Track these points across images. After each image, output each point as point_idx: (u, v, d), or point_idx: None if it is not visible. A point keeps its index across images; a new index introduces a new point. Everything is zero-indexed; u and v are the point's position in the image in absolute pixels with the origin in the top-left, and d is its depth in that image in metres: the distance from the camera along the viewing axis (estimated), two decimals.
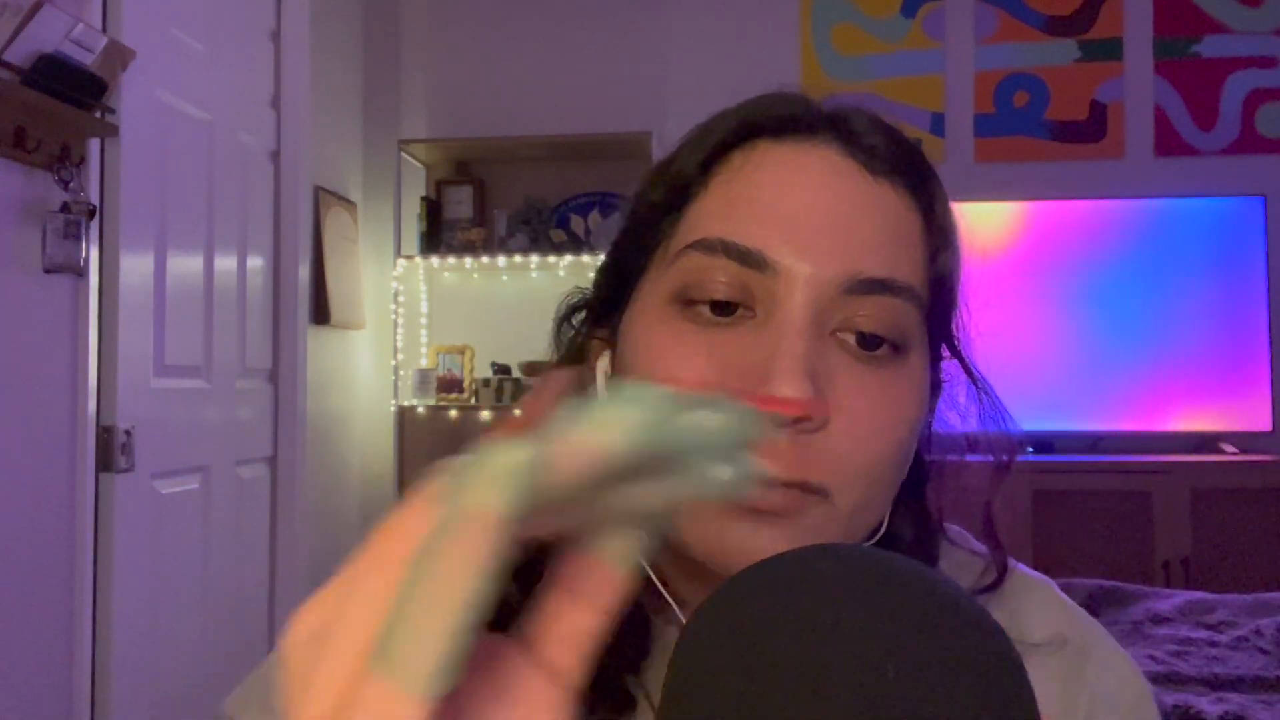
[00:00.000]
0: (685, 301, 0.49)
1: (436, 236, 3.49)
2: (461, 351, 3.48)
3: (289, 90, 2.91)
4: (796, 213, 0.49)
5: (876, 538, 0.52)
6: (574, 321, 0.59)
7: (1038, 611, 0.57)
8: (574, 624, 0.27)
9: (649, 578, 0.52)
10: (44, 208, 1.92)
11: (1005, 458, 0.56)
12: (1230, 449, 3.11)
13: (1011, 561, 0.61)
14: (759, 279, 0.48)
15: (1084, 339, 3.14)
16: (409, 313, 3.54)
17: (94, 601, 2.09)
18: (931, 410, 0.55)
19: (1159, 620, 1.91)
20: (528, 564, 0.52)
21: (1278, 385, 3.11)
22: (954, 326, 0.55)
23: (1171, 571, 2.89)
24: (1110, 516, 2.94)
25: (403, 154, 3.46)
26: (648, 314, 0.51)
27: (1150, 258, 3.15)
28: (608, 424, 0.25)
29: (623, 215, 0.57)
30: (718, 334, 0.48)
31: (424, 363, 3.52)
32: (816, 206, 0.49)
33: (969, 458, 0.57)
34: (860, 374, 0.48)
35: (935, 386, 0.55)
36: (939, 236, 0.52)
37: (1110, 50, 3.40)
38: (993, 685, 0.27)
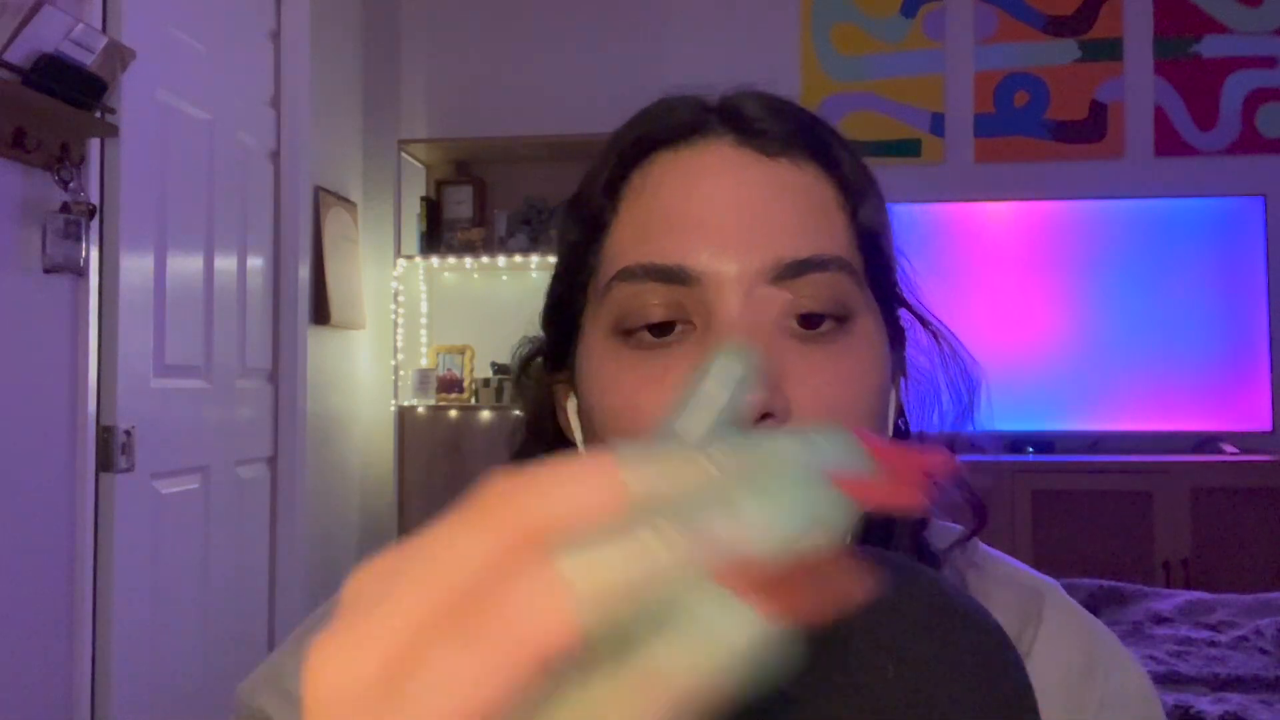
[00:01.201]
0: (624, 331, 0.49)
1: (436, 236, 3.49)
2: (461, 351, 3.48)
3: (289, 90, 2.91)
4: (705, 217, 0.49)
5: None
6: (531, 371, 0.59)
7: (1050, 617, 0.57)
8: None
9: None
10: (44, 208, 1.92)
11: (969, 398, 0.56)
12: (1230, 449, 3.11)
13: (1017, 563, 0.61)
14: (688, 292, 0.48)
15: (1084, 339, 3.14)
16: (409, 313, 3.54)
17: (94, 601, 2.09)
18: (900, 360, 0.55)
19: (1159, 620, 1.91)
20: None
21: (1278, 385, 3.11)
22: (895, 274, 0.55)
23: (1171, 571, 2.89)
24: (1110, 516, 2.94)
25: (403, 154, 3.46)
26: (594, 351, 0.51)
27: (1150, 258, 3.15)
28: (758, 528, 0.21)
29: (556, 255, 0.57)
30: (663, 355, 0.48)
31: (424, 363, 3.52)
32: (724, 205, 0.49)
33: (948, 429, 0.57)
34: (810, 356, 0.48)
35: (898, 337, 0.55)
36: (854, 194, 0.53)
37: (1110, 50, 3.40)
38: (993, 685, 0.27)
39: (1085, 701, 0.55)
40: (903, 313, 0.56)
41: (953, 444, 0.57)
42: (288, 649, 0.57)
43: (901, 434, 0.55)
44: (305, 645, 0.61)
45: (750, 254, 0.48)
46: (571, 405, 0.56)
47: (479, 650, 0.18)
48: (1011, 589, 0.58)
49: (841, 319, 0.49)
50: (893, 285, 0.55)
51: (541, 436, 0.58)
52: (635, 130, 0.53)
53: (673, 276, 0.48)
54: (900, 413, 0.55)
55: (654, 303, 0.48)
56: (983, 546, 0.62)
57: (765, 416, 0.45)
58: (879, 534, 0.52)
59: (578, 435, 0.55)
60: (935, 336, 0.56)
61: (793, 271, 0.48)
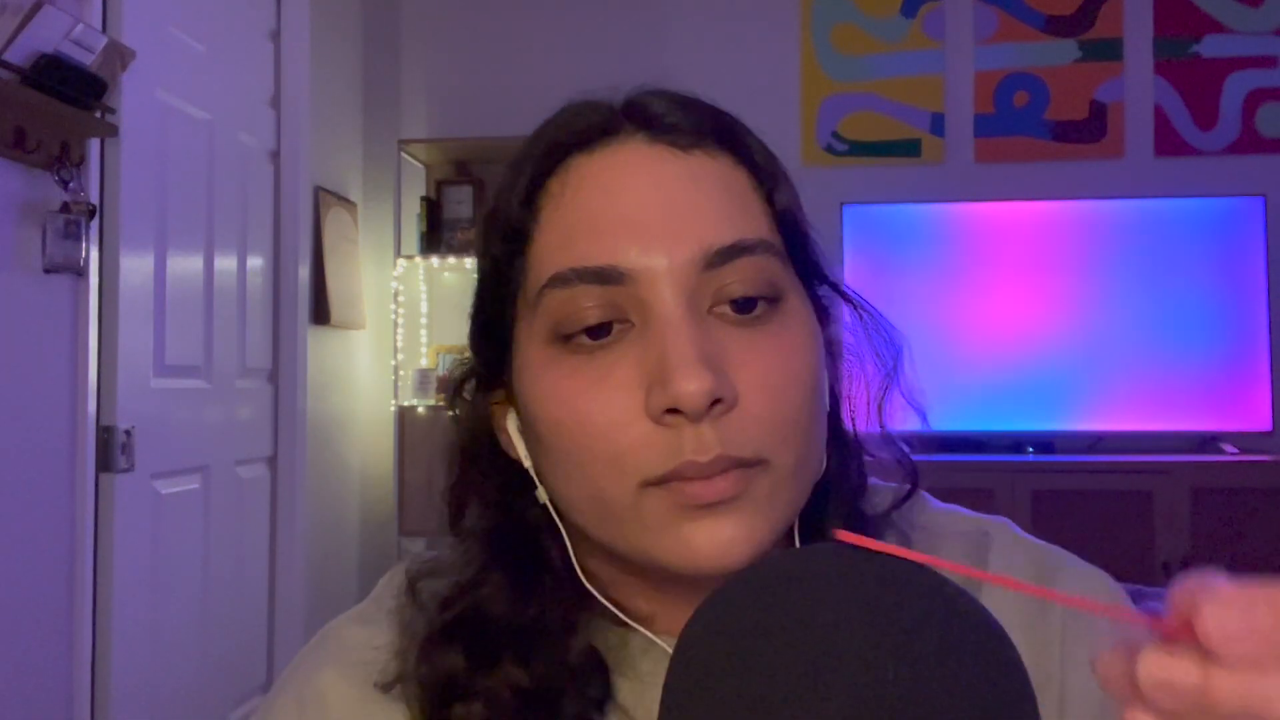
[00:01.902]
0: (562, 338, 0.49)
1: (436, 236, 3.49)
2: (461, 351, 3.47)
3: (289, 90, 2.91)
4: (629, 214, 0.49)
5: (821, 476, 0.53)
6: (466, 394, 0.58)
7: (996, 559, 0.58)
8: None
9: (603, 604, 0.53)
10: (44, 208, 1.92)
11: (891, 362, 0.57)
12: (1230, 449, 3.11)
13: (966, 511, 0.61)
14: (621, 291, 0.48)
15: (1084, 339, 3.14)
16: (409, 313, 3.54)
17: (94, 601, 2.09)
18: (826, 337, 0.56)
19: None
20: (477, 633, 0.52)
21: (1278, 385, 3.11)
22: (814, 253, 0.55)
23: (1171, 571, 2.89)
24: (1110, 516, 2.94)
25: (403, 154, 3.46)
26: (532, 362, 0.51)
27: (1150, 258, 3.15)
28: None
29: (476, 274, 0.57)
30: (604, 356, 0.49)
31: (424, 363, 3.52)
32: (645, 201, 0.50)
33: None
34: (749, 339, 0.49)
35: (823, 315, 0.56)
36: (767, 178, 0.53)
37: (1110, 50, 3.40)
38: (992, 684, 0.27)
39: (1047, 623, 0.55)
40: (823, 291, 0.56)
41: (881, 412, 0.57)
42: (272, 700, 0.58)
43: (833, 406, 0.56)
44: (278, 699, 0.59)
45: (678, 246, 0.48)
46: (511, 423, 0.55)
47: None
48: (956, 539, 0.59)
49: (773, 300, 0.50)
50: (814, 264, 0.55)
51: (478, 460, 0.57)
52: (546, 137, 0.54)
53: (605, 277, 0.48)
54: (832, 389, 0.56)
55: (588, 305, 0.49)
56: (931, 502, 0.62)
57: (715, 403, 0.46)
58: (813, 510, 0.53)
59: (521, 452, 0.54)
60: (856, 308, 0.57)
61: (722, 258, 0.49)
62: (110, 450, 2.12)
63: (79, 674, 2.05)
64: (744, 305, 0.49)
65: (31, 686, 1.93)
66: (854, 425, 0.57)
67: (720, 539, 0.46)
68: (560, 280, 0.49)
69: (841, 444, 0.56)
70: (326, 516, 3.17)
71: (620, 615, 0.53)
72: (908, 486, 0.58)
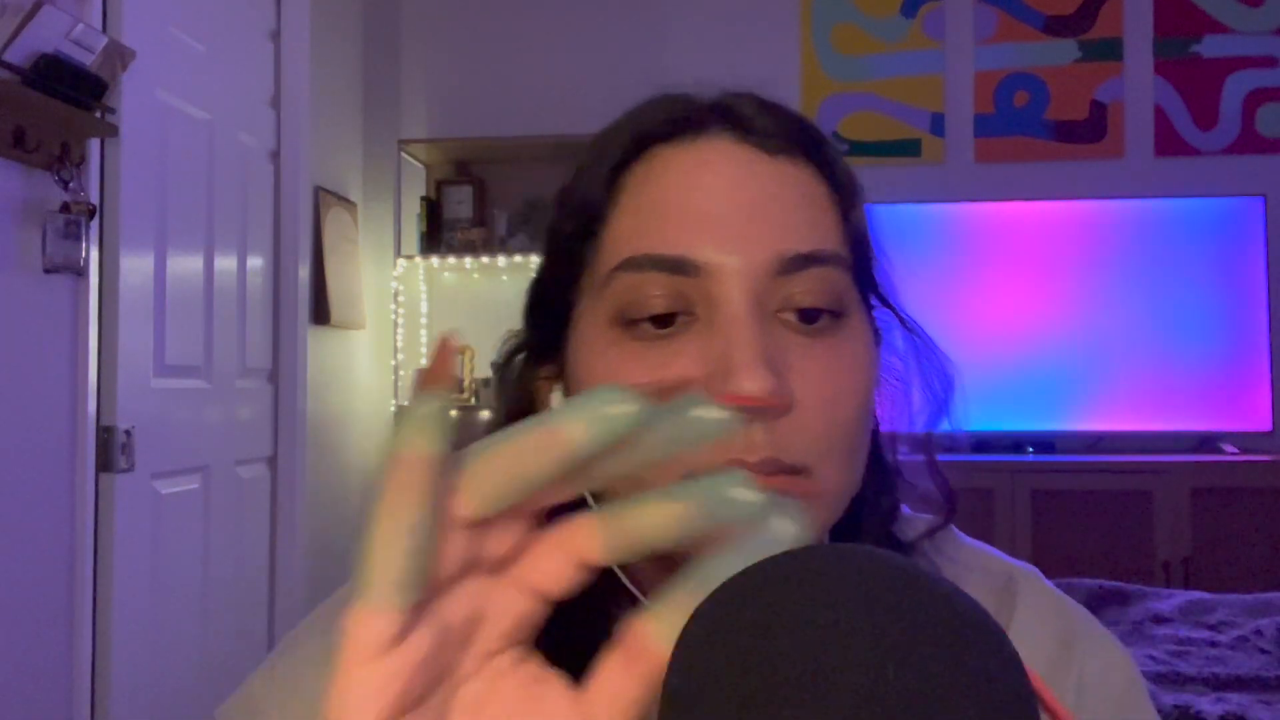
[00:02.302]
0: (626, 322, 0.49)
1: (436, 236, 3.49)
2: (461, 352, 3.48)
3: (289, 90, 2.91)
4: (710, 209, 0.49)
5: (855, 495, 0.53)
6: (514, 366, 0.58)
7: (1024, 611, 0.57)
8: (622, 690, 0.29)
9: (617, 577, 0.53)
10: (44, 208, 1.92)
11: (944, 397, 0.57)
12: (1230, 449, 3.11)
13: (994, 551, 0.61)
14: (692, 283, 0.48)
15: (1084, 339, 3.14)
16: (409, 313, 3.54)
17: (94, 601, 2.09)
18: (877, 361, 0.56)
19: (1159, 620, 1.91)
20: (579, 607, 0.52)
21: (1278, 385, 3.11)
22: (879, 277, 0.56)
23: (1171, 571, 2.89)
24: (1110, 516, 2.94)
25: (403, 154, 3.46)
26: (591, 342, 0.51)
27: (1150, 258, 3.15)
28: (579, 416, 0.28)
29: (541, 251, 0.57)
30: (666, 345, 0.49)
31: (424, 363, 3.52)
32: (727, 199, 0.50)
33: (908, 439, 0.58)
34: (810, 348, 0.49)
35: (877, 337, 0.56)
36: (846, 196, 0.53)
37: (1110, 50, 3.40)
38: (994, 686, 0.27)
39: (1062, 687, 0.55)
40: (879, 315, 0.56)
41: (928, 443, 0.57)
42: (260, 673, 0.58)
43: (875, 430, 0.56)
44: (276, 669, 0.61)
45: (753, 247, 0.48)
46: (556, 398, 0.55)
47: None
48: (985, 577, 0.59)
49: (837, 314, 0.50)
50: (876, 287, 0.55)
51: None
52: (633, 124, 0.54)
53: (677, 267, 0.48)
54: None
55: (657, 293, 0.49)
56: (960, 537, 0.62)
57: (770, 408, 0.46)
58: (846, 528, 0.53)
59: None
60: (914, 335, 0.57)
61: (795, 265, 0.49)
62: (110, 450, 2.12)
63: (79, 674, 2.05)
64: (809, 315, 0.49)
65: (31, 686, 1.93)
66: (894, 451, 0.57)
67: None
68: (633, 264, 0.49)
69: (880, 466, 0.56)
70: (326, 516, 3.17)
71: (635, 591, 0.53)
72: (942, 517, 0.58)
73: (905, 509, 0.59)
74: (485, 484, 0.29)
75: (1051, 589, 0.60)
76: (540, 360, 0.57)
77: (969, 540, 0.62)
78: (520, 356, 0.58)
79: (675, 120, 0.53)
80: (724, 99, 0.54)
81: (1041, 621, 0.57)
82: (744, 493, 0.29)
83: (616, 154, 0.53)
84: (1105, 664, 0.57)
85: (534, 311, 0.57)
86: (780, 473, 0.46)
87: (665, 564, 0.53)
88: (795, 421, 0.47)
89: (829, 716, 0.25)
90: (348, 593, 0.59)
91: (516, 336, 0.59)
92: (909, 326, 0.57)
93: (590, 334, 0.52)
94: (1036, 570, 0.61)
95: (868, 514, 0.55)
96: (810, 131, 0.53)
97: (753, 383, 0.45)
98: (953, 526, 0.60)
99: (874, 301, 0.56)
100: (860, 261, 0.53)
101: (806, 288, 0.49)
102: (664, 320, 0.49)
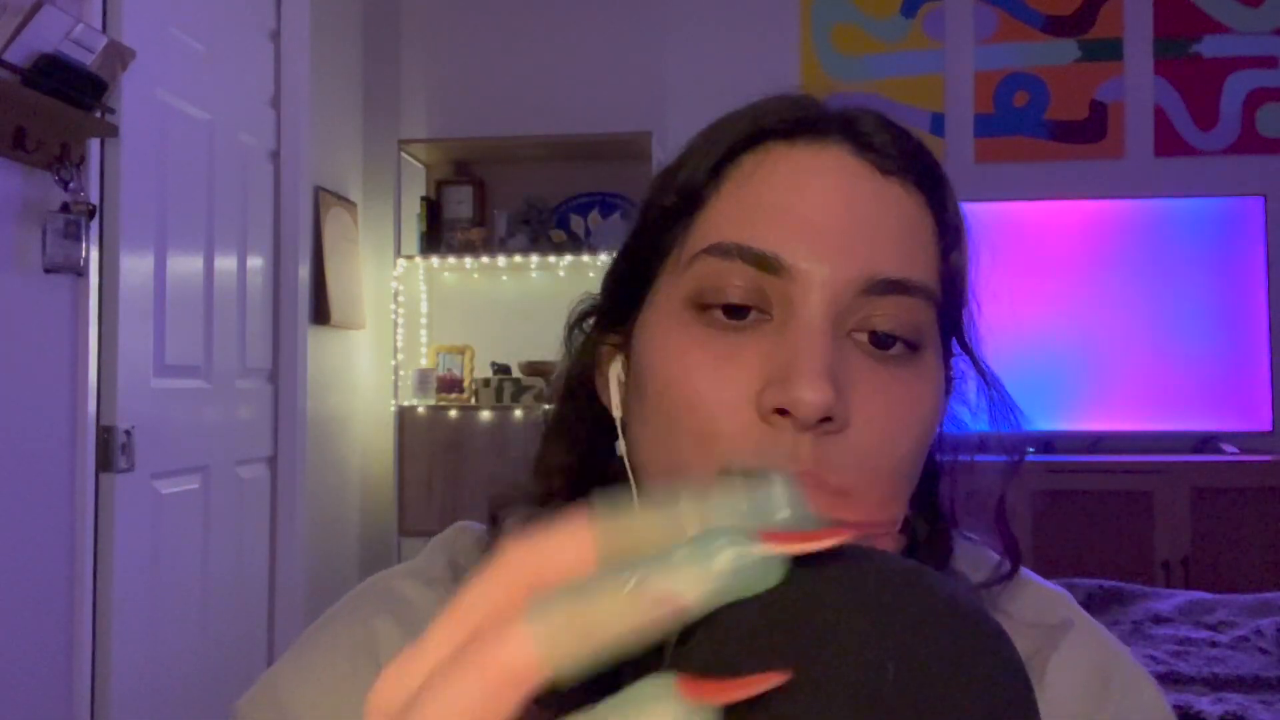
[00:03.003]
0: (700, 306, 0.49)
1: (436, 236, 3.49)
2: (461, 351, 3.48)
3: (289, 90, 2.91)
4: (811, 215, 0.49)
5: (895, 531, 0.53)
6: (584, 327, 0.59)
7: (1058, 656, 0.57)
8: None
9: None
10: (44, 208, 1.92)
11: (1016, 455, 0.57)
12: (1230, 449, 3.11)
13: (1026, 572, 0.60)
14: (775, 282, 0.48)
15: (1084, 339, 3.14)
16: (409, 313, 3.54)
17: (94, 601, 2.09)
18: (945, 407, 0.55)
19: (1159, 620, 1.91)
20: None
21: (1278, 385, 3.11)
22: (965, 323, 0.55)
23: (1171, 571, 2.89)
24: (1110, 516, 2.94)
25: (403, 154, 3.46)
26: (662, 319, 0.51)
27: (1150, 258, 3.15)
28: (697, 574, 0.25)
29: (631, 221, 0.57)
30: (734, 337, 0.48)
31: (424, 363, 3.52)
32: (831, 208, 0.49)
33: (979, 457, 0.57)
34: (878, 373, 0.48)
35: (948, 383, 0.55)
36: (950, 235, 0.53)
37: (1110, 50, 3.40)
38: (994, 687, 0.27)
39: (1096, 718, 0.55)
40: (957, 364, 0.56)
41: (1002, 504, 0.57)
42: (285, 663, 0.57)
43: (928, 476, 0.55)
44: (302, 659, 0.60)
45: (846, 261, 0.48)
46: (614, 369, 0.55)
47: (465, 676, 0.25)
48: (1025, 631, 0.57)
49: (913, 345, 0.49)
50: (960, 333, 0.55)
51: (574, 396, 0.58)
52: (752, 116, 0.53)
53: (765, 263, 0.48)
54: (930, 457, 0.55)
55: (738, 283, 0.48)
56: (1035, 582, 0.60)
57: (825, 420, 0.45)
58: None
59: (614, 399, 0.54)
60: (989, 386, 0.57)
61: (882, 289, 0.48)
62: (110, 450, 2.12)
63: (79, 674, 2.05)
64: (883, 341, 0.48)
65: (31, 686, 1.93)
66: (951, 501, 0.56)
67: None
68: (721, 250, 0.49)
69: (930, 513, 0.55)
70: (326, 516, 3.17)
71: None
72: (1008, 567, 0.57)
73: (974, 542, 0.58)
74: (565, 647, 0.24)
75: (1099, 628, 0.59)
76: (609, 327, 0.57)
77: (1044, 583, 0.60)
78: (590, 320, 0.58)
79: (796, 120, 0.52)
80: (847, 110, 0.53)
81: (1086, 655, 0.57)
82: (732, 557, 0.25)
83: (730, 141, 0.52)
84: (1140, 701, 0.56)
85: (612, 279, 0.57)
86: (817, 489, 0.46)
87: None
88: (847, 442, 0.46)
89: (828, 716, 0.25)
90: (377, 586, 0.59)
91: (590, 299, 0.59)
92: (985, 376, 0.56)
93: (664, 310, 0.51)
94: (1064, 591, 0.60)
95: (921, 559, 0.54)
96: (929, 163, 0.53)
97: (811, 391, 0.44)
98: (1026, 573, 0.59)
99: (955, 349, 0.55)
100: (950, 303, 0.52)
101: (888, 313, 0.48)
102: (738, 312, 0.48)
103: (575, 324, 0.59)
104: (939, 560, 0.55)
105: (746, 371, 0.47)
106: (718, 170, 0.52)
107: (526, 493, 0.57)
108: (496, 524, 0.57)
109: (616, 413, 0.54)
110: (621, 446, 0.53)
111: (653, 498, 0.27)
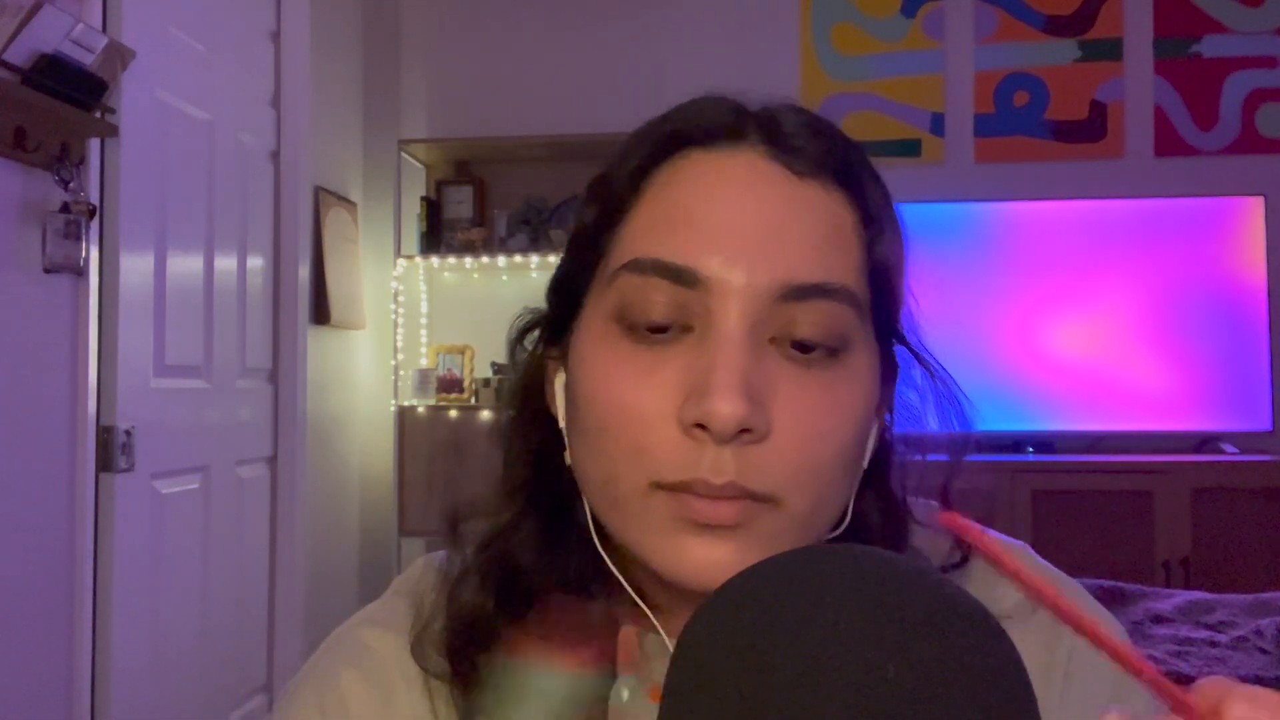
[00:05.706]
0: (625, 323, 0.50)
1: (436, 236, 3.49)
2: (461, 351, 3.48)
3: (289, 90, 2.91)
4: (724, 223, 0.49)
5: (839, 530, 0.53)
6: (527, 342, 0.59)
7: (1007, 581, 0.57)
8: None
9: (623, 585, 0.53)
10: (44, 208, 1.92)
11: (961, 436, 0.57)
12: (1230, 449, 3.11)
13: (983, 529, 0.60)
14: (693, 295, 0.48)
15: (1084, 339, 3.14)
16: (409, 313, 3.54)
17: (94, 601, 2.09)
18: (889, 394, 0.55)
19: (1159, 620, 1.91)
20: (507, 579, 0.53)
21: (1278, 385, 3.11)
22: (900, 311, 0.55)
23: (1171, 571, 2.89)
24: (1110, 516, 2.94)
25: (403, 154, 3.46)
26: (592, 334, 0.52)
27: (1150, 258, 3.15)
28: None
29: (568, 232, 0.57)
30: (658, 351, 0.49)
31: (424, 363, 3.52)
32: (744, 215, 0.49)
33: (930, 457, 0.57)
34: (799, 378, 0.48)
35: (891, 371, 0.55)
36: (874, 227, 0.52)
37: (1110, 50, 3.40)
38: (993, 685, 0.27)
39: (1054, 656, 0.55)
40: (899, 350, 0.56)
41: (946, 493, 0.57)
42: (308, 706, 0.56)
43: (880, 465, 0.55)
44: (329, 702, 0.59)
45: (761, 269, 0.48)
46: (559, 381, 0.56)
47: None
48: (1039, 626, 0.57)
49: (834, 350, 0.49)
50: (894, 321, 0.55)
51: (525, 408, 0.58)
52: (671, 123, 0.53)
53: (680, 277, 0.48)
54: (883, 445, 0.55)
55: (658, 299, 0.49)
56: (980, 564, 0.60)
57: (744, 431, 0.46)
58: (851, 529, 0.53)
59: (560, 411, 0.55)
60: (931, 375, 0.56)
61: (799, 294, 0.48)
62: (110, 450, 2.11)
63: (79, 673, 2.05)
64: (804, 346, 0.48)
65: (31, 686, 1.93)
66: (903, 489, 0.56)
67: (712, 559, 0.47)
68: (638, 267, 0.49)
69: (883, 503, 0.55)
70: (326, 516, 3.17)
71: (634, 596, 0.53)
72: (958, 556, 0.57)
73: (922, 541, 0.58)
74: None
75: (1038, 560, 0.59)
76: (552, 340, 0.57)
77: (988, 572, 0.59)
78: (534, 334, 0.59)
79: (712, 126, 0.52)
80: (766, 110, 0.53)
81: (1026, 637, 0.57)
82: None
83: (648, 150, 0.53)
84: (1084, 674, 0.56)
85: (553, 292, 0.57)
86: (744, 498, 0.46)
87: (660, 581, 0.53)
88: (769, 449, 0.47)
89: (829, 716, 0.25)
90: (343, 638, 0.58)
91: (533, 313, 0.59)
92: (927, 364, 0.56)
93: (592, 326, 0.52)
94: (1024, 545, 0.60)
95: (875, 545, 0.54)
96: (850, 156, 0.53)
97: (725, 405, 0.45)
98: (1030, 548, 0.59)
99: (893, 338, 0.55)
100: (879, 295, 0.52)
101: (808, 319, 0.48)
102: (661, 327, 0.49)
103: (518, 339, 0.59)
104: (895, 548, 0.55)
105: (668, 386, 0.48)
106: (638, 179, 0.52)
107: (484, 503, 0.58)
108: (455, 535, 0.57)
109: (563, 423, 0.55)
110: (569, 456, 0.54)
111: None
